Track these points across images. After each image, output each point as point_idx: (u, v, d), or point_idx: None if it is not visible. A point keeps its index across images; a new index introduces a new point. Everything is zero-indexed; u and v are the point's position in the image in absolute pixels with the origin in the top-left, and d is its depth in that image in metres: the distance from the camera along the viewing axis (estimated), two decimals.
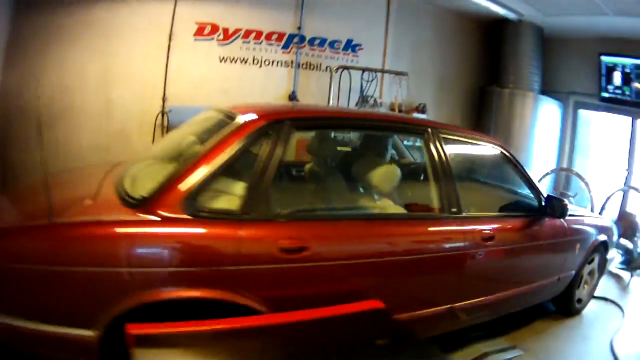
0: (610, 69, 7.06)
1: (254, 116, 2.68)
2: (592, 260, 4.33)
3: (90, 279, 2.20)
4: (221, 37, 5.76)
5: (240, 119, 2.65)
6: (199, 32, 5.63)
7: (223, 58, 5.83)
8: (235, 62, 5.91)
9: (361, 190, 3.20)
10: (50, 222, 2.21)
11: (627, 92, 6.93)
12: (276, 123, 2.64)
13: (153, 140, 5.49)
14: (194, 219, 2.33)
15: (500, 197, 3.94)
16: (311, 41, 6.31)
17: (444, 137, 3.20)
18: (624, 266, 5.71)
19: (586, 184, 6.83)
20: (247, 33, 5.88)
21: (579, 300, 4.36)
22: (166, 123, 5.52)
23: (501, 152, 3.60)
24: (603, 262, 4.55)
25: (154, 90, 5.51)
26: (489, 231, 3.15)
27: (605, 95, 7.22)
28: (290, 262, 2.42)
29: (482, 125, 7.78)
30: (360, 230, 2.75)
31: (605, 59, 7.11)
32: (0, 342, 2.28)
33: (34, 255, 2.18)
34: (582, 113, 8.01)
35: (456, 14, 7.67)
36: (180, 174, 2.40)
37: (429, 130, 3.17)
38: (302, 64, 6.31)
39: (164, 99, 5.55)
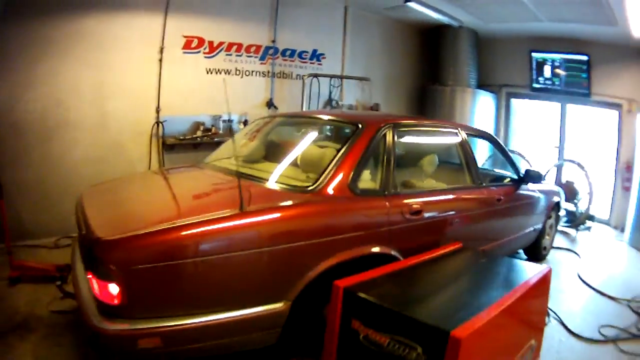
0: (540, 63, 8.70)
1: (374, 122, 3.63)
2: (551, 216, 5.86)
3: (284, 255, 2.77)
4: (207, 50, 6.19)
5: (365, 124, 3.56)
6: (187, 45, 6.00)
7: (209, 70, 6.28)
8: (220, 73, 6.37)
9: (428, 172, 4.27)
10: (243, 212, 2.68)
11: (557, 82, 8.64)
12: (385, 127, 3.60)
13: (150, 151, 5.90)
14: (356, 197, 3.19)
15: (500, 171, 5.38)
16: (283, 52, 6.98)
17: (467, 134, 4.53)
18: (569, 224, 7.48)
19: (527, 161, 8.45)
20: (230, 46, 6.36)
21: (544, 248, 5.89)
22: (161, 133, 5.89)
23: (494, 139, 5.17)
24: (557, 219, 6.19)
25: (148, 101, 5.81)
26: (499, 195, 4.49)
27: (536, 86, 8.92)
28: (414, 222, 3.49)
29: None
30: (443, 197, 3.96)
31: (535, 55, 8.74)
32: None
33: (220, 246, 2.60)
34: (515, 102, 9.74)
35: (401, 23, 8.78)
36: (338, 168, 3.22)
37: (460, 130, 4.47)
38: (277, 73, 6.97)
39: (158, 110, 5.87)
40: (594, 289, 5.06)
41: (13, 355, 3.11)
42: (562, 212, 6.35)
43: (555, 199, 5.88)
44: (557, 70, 8.50)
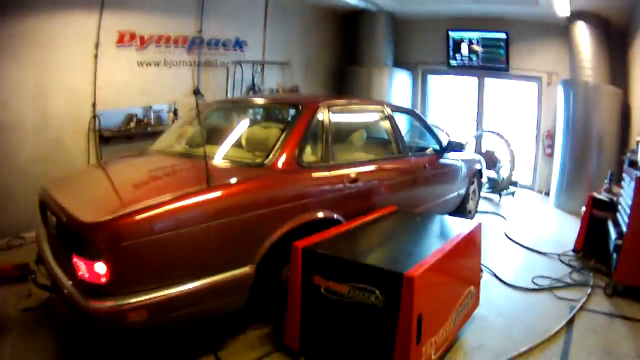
0: (458, 42, 9.71)
1: (311, 103, 4.26)
2: (473, 182, 6.90)
3: (249, 222, 3.27)
4: (138, 43, 6.71)
5: (304, 106, 4.20)
6: (120, 40, 6.48)
7: (140, 63, 6.78)
8: (150, 65, 6.90)
9: (360, 145, 4.96)
10: (210, 187, 3.14)
11: (474, 59, 9.64)
12: (321, 107, 4.22)
13: (88, 146, 6.22)
14: (302, 169, 3.83)
15: (425, 142, 6.14)
16: (209, 42, 7.64)
17: (392, 110, 5.29)
18: (491, 190, 8.49)
19: (446, 133, 9.27)
20: (159, 38, 6.94)
21: (469, 212, 6.87)
22: (98, 127, 6.26)
23: (417, 114, 6.00)
24: (479, 185, 7.33)
25: (85, 97, 6.19)
26: (425, 163, 5.34)
27: (454, 63, 9.93)
28: (352, 189, 4.13)
29: None
30: (375, 167, 4.64)
31: (452, 33, 9.73)
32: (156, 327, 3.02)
33: (195, 218, 2.99)
34: (431, 78, 10.77)
35: (319, 8, 9.66)
36: (285, 144, 3.74)
37: (385, 107, 5.25)
38: (203, 63, 7.59)
39: (94, 104, 6.23)
40: (522, 245, 5.96)
41: None
42: (484, 179, 7.46)
43: (477, 166, 6.94)
44: (474, 47, 9.57)
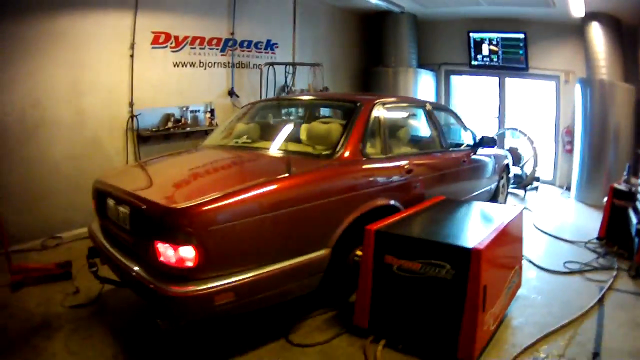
0: (478, 42, 10.15)
1: (369, 100, 4.58)
2: (502, 177, 7.28)
3: (325, 208, 3.55)
4: (173, 44, 6.98)
5: (362, 103, 4.48)
6: (155, 40, 6.75)
7: (176, 63, 7.06)
8: (186, 66, 7.19)
9: (409, 139, 5.34)
10: (291, 175, 3.49)
11: (495, 59, 10.08)
12: (377, 104, 4.56)
13: (126, 144, 6.46)
14: (366, 160, 4.13)
15: (459, 138, 6.37)
16: (241, 44, 7.95)
17: (432, 107, 5.68)
18: (516, 185, 8.85)
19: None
20: (194, 40, 7.23)
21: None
22: (136, 126, 6.51)
23: (453, 112, 6.29)
24: (507, 180, 7.74)
25: (121, 96, 6.42)
26: (463, 157, 5.70)
27: (475, 63, 10.37)
28: (407, 179, 4.47)
29: None
30: (425, 159, 5.01)
31: (473, 35, 10.16)
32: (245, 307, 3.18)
33: (278, 203, 3.21)
34: (454, 78, 11.20)
35: (345, 11, 10.11)
36: (350, 137, 4.06)
37: (427, 104, 5.67)
38: (236, 64, 7.91)
39: (131, 104, 6.49)
40: (550, 234, 6.37)
41: (46, 355, 3.30)
42: (511, 174, 7.84)
43: (506, 161, 7.31)
44: (493, 48, 9.99)
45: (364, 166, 4.08)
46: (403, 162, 4.49)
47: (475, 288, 3.00)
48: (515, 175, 8.91)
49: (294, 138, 4.54)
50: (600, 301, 4.25)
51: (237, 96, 7.80)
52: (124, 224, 3.33)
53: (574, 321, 3.81)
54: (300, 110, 5.41)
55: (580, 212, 7.97)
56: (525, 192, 8.87)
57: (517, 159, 9.04)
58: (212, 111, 7.34)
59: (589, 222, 6.94)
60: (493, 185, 6.76)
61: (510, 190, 8.54)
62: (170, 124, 6.82)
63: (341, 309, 3.91)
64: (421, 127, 6.00)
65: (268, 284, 3.19)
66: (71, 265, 4.59)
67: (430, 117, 5.49)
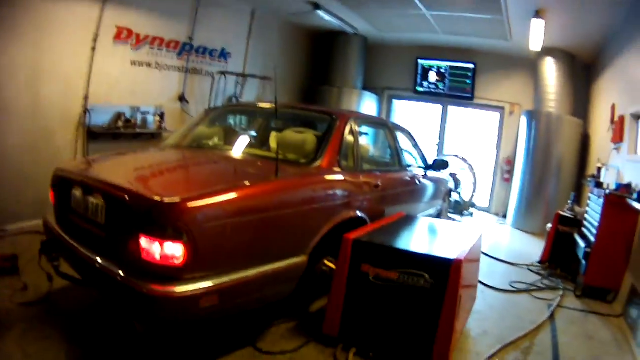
0: (426, 69, 10.57)
1: (344, 114, 4.76)
2: (445, 200, 7.53)
3: (308, 214, 3.63)
4: (134, 42, 6.85)
5: (337, 116, 4.60)
6: (118, 35, 6.59)
7: (134, 62, 6.93)
8: (142, 65, 7.07)
9: (373, 156, 5.60)
10: (277, 179, 3.44)
11: (441, 87, 10.52)
12: (351, 119, 4.69)
13: (77, 139, 6.22)
14: (343, 171, 4.22)
15: (415, 159, 6.44)
16: (197, 50, 7.90)
17: (393, 127, 5.88)
18: (453, 211, 9.19)
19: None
20: (153, 40, 7.13)
21: None
22: (87, 122, 6.28)
23: (410, 134, 6.38)
24: (449, 202, 7.86)
25: (77, 88, 6.19)
26: (418, 177, 5.93)
27: (420, 89, 10.83)
28: (375, 193, 4.62)
29: None
30: (388, 177, 5.16)
31: (422, 62, 10.60)
32: (220, 313, 3.06)
33: (265, 205, 3.22)
34: (396, 103, 11.59)
35: (299, 28, 10.26)
36: (329, 147, 4.16)
37: (389, 124, 5.87)
38: (190, 69, 7.85)
39: (86, 98, 6.27)
40: (494, 257, 6.63)
41: (1, 356, 3.04)
42: (453, 197, 8.25)
43: (450, 185, 7.64)
44: (436, 76, 10.51)
45: (342, 177, 4.14)
46: (372, 177, 4.65)
47: (453, 297, 3.11)
48: (454, 202, 9.29)
49: (264, 145, 4.62)
50: (552, 317, 4.58)
51: (187, 102, 7.73)
52: (95, 217, 3.10)
53: (529, 334, 4.09)
54: (270, 118, 5.38)
55: (518, 238, 8.38)
56: (462, 217, 9.25)
57: (456, 185, 9.37)
58: (162, 115, 7.23)
59: (527, 247, 7.45)
60: (439, 207, 6.98)
61: (449, 215, 8.84)
62: (120, 123, 6.63)
63: (302, 319, 3.91)
64: (384, 146, 6.19)
65: (249, 288, 3.13)
66: (17, 259, 4.34)
67: (392, 136, 5.64)
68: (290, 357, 3.35)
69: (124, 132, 6.67)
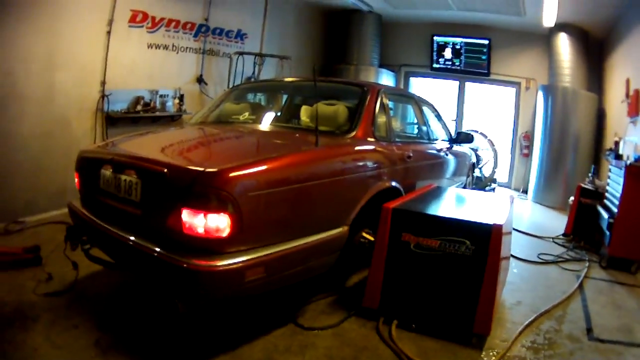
0: (442, 46, 10.55)
1: (374, 86, 4.67)
2: (469, 175, 7.49)
3: (348, 184, 3.62)
4: (150, 24, 6.82)
5: (369, 87, 4.55)
6: (133, 19, 6.56)
7: (150, 45, 6.91)
8: (159, 48, 7.05)
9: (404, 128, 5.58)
10: (317, 148, 3.45)
11: (457, 63, 10.51)
12: (382, 91, 4.62)
13: (95, 125, 6.19)
14: (377, 141, 4.21)
15: (444, 132, 6.42)
16: (214, 31, 7.88)
17: (419, 100, 5.87)
18: (474, 187, 8.93)
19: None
20: (169, 22, 7.10)
21: None
22: (105, 107, 6.26)
23: (434, 108, 6.30)
24: (473, 177, 8.13)
25: (94, 74, 6.15)
26: (444, 150, 5.91)
27: (436, 66, 10.81)
28: (408, 164, 4.59)
29: None
30: (419, 148, 5.23)
31: (437, 38, 10.59)
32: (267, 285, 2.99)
33: (307, 175, 3.18)
34: (413, 80, 11.59)
35: (313, 7, 10.26)
36: (363, 118, 4.14)
37: (416, 98, 5.90)
38: (207, 51, 7.83)
39: (103, 83, 6.24)
40: (519, 231, 6.61)
41: (27, 350, 2.87)
42: (476, 172, 8.19)
43: (473, 159, 7.60)
44: (452, 53, 10.50)
45: (377, 147, 4.13)
46: (404, 148, 4.61)
47: (495, 263, 3.11)
48: (475, 177, 9.30)
49: (295, 118, 4.60)
50: (581, 287, 4.60)
51: (206, 83, 7.74)
52: (129, 195, 3.02)
53: (561, 303, 4.12)
54: (298, 92, 5.32)
55: (540, 212, 8.44)
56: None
57: (477, 161, 9.32)
58: (181, 97, 7.24)
59: (549, 221, 7.50)
60: (463, 181, 6.95)
61: None
62: (139, 107, 6.63)
63: (341, 294, 3.92)
64: (412, 118, 6.21)
65: (294, 260, 3.08)
66: (40, 250, 4.23)
67: (419, 109, 5.65)
68: (332, 332, 3.32)
69: (143, 116, 6.67)
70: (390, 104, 4.85)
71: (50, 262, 4.08)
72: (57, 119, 5.79)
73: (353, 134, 3.98)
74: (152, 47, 6.87)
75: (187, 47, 7.41)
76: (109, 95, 6.24)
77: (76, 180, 3.72)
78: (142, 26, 6.66)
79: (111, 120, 6.32)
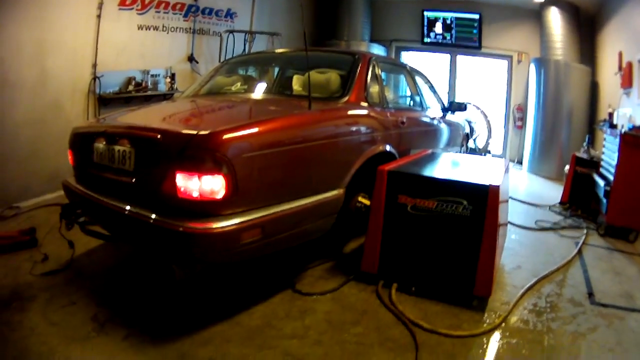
0: (432, 21, 10.54)
1: (365, 54, 4.63)
2: (463, 145, 7.39)
3: (343, 146, 3.62)
4: (139, 7, 6.79)
5: (360, 55, 4.50)
6: (122, 2, 6.52)
7: (140, 26, 6.87)
8: (150, 29, 7.01)
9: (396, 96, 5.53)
10: (310, 111, 3.45)
11: (448, 37, 10.52)
12: (373, 59, 4.57)
13: (87, 108, 6.17)
14: (370, 106, 4.16)
15: (437, 101, 6.38)
16: (203, 11, 7.81)
17: (411, 69, 5.77)
18: None
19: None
20: (159, 4, 7.05)
21: None
22: (97, 89, 6.26)
23: (426, 77, 6.27)
24: (466, 148, 7.90)
25: (85, 58, 6.14)
26: (437, 118, 5.85)
27: (427, 40, 10.82)
28: (401, 129, 4.53)
29: None
30: (412, 115, 5.07)
31: (427, 13, 10.57)
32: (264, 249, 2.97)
33: (301, 136, 3.17)
34: (404, 55, 11.54)
35: None
36: (355, 83, 4.09)
37: (407, 67, 5.81)
38: (198, 30, 7.76)
39: (95, 65, 6.23)
40: (516, 199, 6.64)
41: (24, 330, 2.80)
42: (470, 144, 8.13)
43: (467, 129, 7.53)
44: (443, 27, 10.46)
45: (371, 112, 4.10)
46: (397, 114, 4.56)
47: (493, 223, 3.05)
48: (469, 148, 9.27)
49: (288, 87, 4.50)
50: (580, 253, 4.54)
51: (197, 62, 7.69)
52: (123, 164, 3.00)
53: (561, 268, 4.07)
54: (290, 63, 5.26)
55: (535, 182, 8.46)
56: None
57: (470, 132, 9.30)
58: (172, 76, 7.23)
59: (545, 190, 7.52)
60: (458, 150, 6.89)
61: None
62: (131, 87, 6.64)
63: (338, 260, 3.88)
64: (404, 87, 6.10)
65: (290, 222, 3.05)
66: (35, 232, 4.19)
67: (411, 78, 5.59)
68: (331, 297, 3.28)
69: (135, 96, 6.67)
70: (383, 74, 4.80)
71: (47, 243, 4.07)
72: (49, 104, 5.76)
73: (346, 98, 3.95)
74: (142, 29, 6.83)
75: (177, 27, 7.34)
76: (101, 77, 6.24)
77: (70, 157, 3.67)
78: (132, 8, 6.62)
79: (103, 102, 6.32)
